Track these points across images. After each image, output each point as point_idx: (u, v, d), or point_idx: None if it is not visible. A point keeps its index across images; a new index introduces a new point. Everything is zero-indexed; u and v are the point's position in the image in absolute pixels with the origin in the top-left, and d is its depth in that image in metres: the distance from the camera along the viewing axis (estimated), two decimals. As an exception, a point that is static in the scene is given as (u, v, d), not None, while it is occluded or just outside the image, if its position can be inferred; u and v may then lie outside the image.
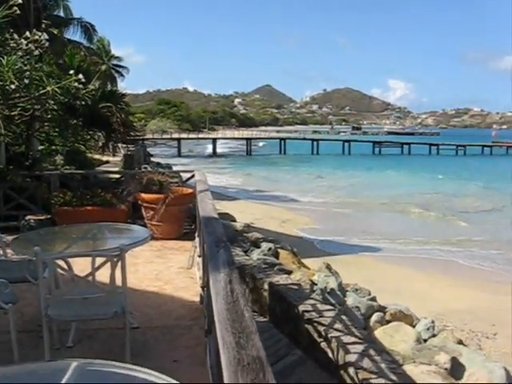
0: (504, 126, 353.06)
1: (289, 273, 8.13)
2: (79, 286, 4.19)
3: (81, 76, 8.40)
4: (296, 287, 6.65)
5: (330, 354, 5.05)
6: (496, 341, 9.56)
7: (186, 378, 3.37)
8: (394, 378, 4.45)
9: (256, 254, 9.23)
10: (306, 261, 11.02)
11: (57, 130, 11.30)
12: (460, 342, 7.50)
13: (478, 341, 9.47)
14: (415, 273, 14.38)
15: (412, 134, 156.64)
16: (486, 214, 27.11)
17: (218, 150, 76.85)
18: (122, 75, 48.47)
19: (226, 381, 1.52)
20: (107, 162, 26.11)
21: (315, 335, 5.37)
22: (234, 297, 2.11)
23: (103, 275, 4.04)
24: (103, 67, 34.51)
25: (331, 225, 21.64)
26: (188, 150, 76.23)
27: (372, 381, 4.33)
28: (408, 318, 7.97)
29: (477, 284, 13.67)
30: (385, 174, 48.07)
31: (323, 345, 5.21)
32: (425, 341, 7.14)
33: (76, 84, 8.43)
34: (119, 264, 4.01)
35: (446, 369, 5.85)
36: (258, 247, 10.02)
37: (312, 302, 6.12)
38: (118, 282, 4.05)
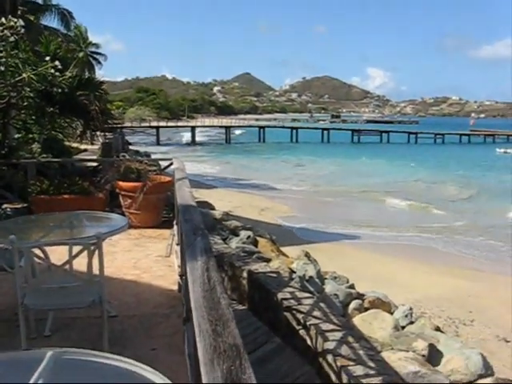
0: (482, 115, 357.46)
1: (268, 261, 8.14)
2: (56, 275, 4.14)
3: (57, 63, 8.31)
4: (275, 275, 6.67)
5: (309, 342, 5.08)
6: (473, 327, 9.69)
7: (163, 367, 3.33)
8: (372, 364, 4.48)
9: (235, 242, 9.22)
10: (284, 249, 11.06)
11: (33, 117, 11.14)
12: (437, 329, 7.58)
13: (456, 327, 9.59)
14: (394, 260, 14.50)
15: (391, 122, 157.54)
16: (465, 202, 27.46)
17: (197, 139, 76.58)
18: (99, 62, 48.11)
19: (202, 368, 1.51)
20: (85, 150, 25.83)
21: (294, 323, 5.39)
22: (210, 284, 2.10)
23: (81, 264, 4.01)
24: (80, 54, 34.10)
25: (310, 213, 21.71)
26: (167, 138, 75.86)
27: (350, 368, 4.36)
28: (386, 306, 8.04)
29: (455, 271, 13.83)
30: (364, 163, 48.35)
31: (302, 332, 5.23)
32: (403, 328, 7.20)
33: (52, 71, 8.33)
34: (97, 252, 3.97)
35: (423, 355, 5.92)
36: (237, 235, 10.01)
37: (291, 289, 6.14)
38: (96, 270, 4.01)
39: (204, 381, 1.44)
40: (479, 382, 5.66)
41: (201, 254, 2.55)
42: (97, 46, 48.11)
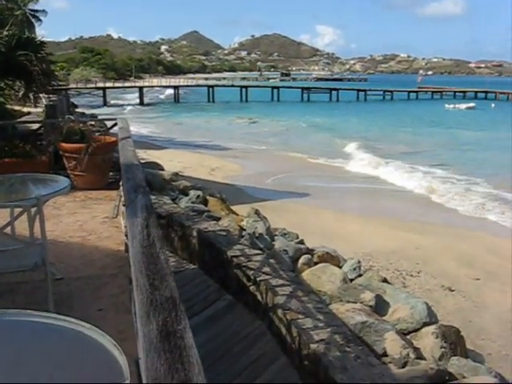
0: (430, 72, 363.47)
1: (217, 219, 8.12)
2: (-3, 239, 4.04)
3: (-9, 21, 7.93)
4: (224, 233, 6.67)
5: (259, 297, 5.13)
6: (420, 278, 9.97)
7: (110, 326, 3.34)
8: (321, 317, 4.56)
9: (184, 202, 9.13)
10: (235, 207, 11.07)
11: (-31, 79, 10.70)
12: (385, 281, 7.72)
13: (403, 279, 9.85)
14: (344, 216, 14.72)
15: (340, 79, 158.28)
16: (419, 155, 28.13)
17: (146, 99, 75.36)
18: (39, 20, 46.38)
19: (138, 322, 1.50)
20: (29, 113, 25.00)
21: (244, 279, 5.43)
22: (150, 240, 2.08)
23: (25, 228, 3.92)
24: (18, 12, 32.73)
25: (262, 172, 21.75)
26: (114, 100, 74.35)
27: (300, 320, 4.43)
28: (335, 260, 8.14)
29: (402, 224, 14.14)
30: (315, 121, 48.51)
31: (252, 288, 5.28)
32: (351, 280, 7.31)
33: (-14, 30, 7.96)
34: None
35: (370, 306, 6.04)
36: (187, 195, 9.93)
37: (240, 247, 6.16)
38: (39, 233, 3.93)
39: (139, 333, 1.44)
40: (424, 329, 5.84)
41: (141, 211, 2.51)
42: (35, 1, 46.30)
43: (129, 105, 68.56)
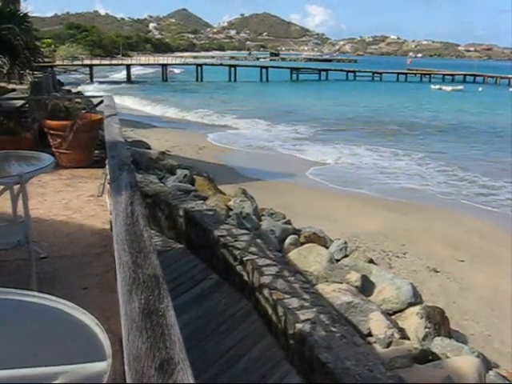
0: (419, 54, 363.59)
1: (204, 199, 8.09)
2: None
3: (-27, -6, 7.76)
4: (211, 213, 6.65)
5: (246, 277, 5.14)
6: (405, 259, 10.03)
7: (95, 304, 3.31)
8: (307, 297, 4.58)
9: (171, 181, 9.08)
10: (223, 187, 11.02)
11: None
12: (371, 261, 7.74)
13: (389, 260, 9.90)
14: (332, 196, 14.75)
15: (330, 60, 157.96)
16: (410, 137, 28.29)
17: (133, 77, 74.67)
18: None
19: (120, 300, 1.48)
20: (13, 90, 24.66)
21: (231, 259, 5.43)
22: (133, 218, 2.05)
23: (8, 206, 3.87)
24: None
25: (250, 151, 21.73)
26: (101, 77, 73.52)
27: (286, 300, 4.43)
28: (321, 240, 8.14)
29: (389, 205, 14.19)
30: (305, 101, 48.37)
31: (239, 268, 5.28)
32: (337, 261, 7.32)
33: (-31, 3, 7.79)
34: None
35: (356, 286, 6.06)
36: (174, 174, 9.87)
37: (227, 226, 6.15)
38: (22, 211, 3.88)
39: (121, 311, 1.41)
40: (409, 309, 5.87)
41: (125, 189, 2.48)
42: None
43: (118, 82, 67.86)
